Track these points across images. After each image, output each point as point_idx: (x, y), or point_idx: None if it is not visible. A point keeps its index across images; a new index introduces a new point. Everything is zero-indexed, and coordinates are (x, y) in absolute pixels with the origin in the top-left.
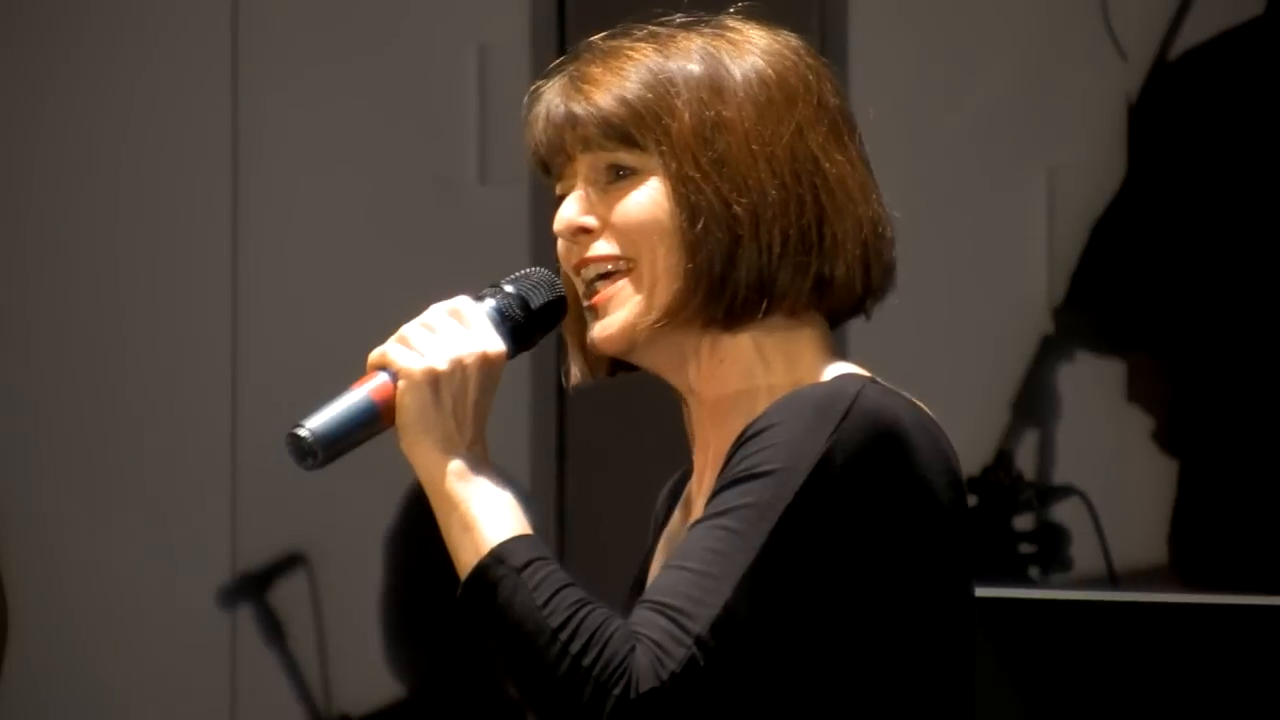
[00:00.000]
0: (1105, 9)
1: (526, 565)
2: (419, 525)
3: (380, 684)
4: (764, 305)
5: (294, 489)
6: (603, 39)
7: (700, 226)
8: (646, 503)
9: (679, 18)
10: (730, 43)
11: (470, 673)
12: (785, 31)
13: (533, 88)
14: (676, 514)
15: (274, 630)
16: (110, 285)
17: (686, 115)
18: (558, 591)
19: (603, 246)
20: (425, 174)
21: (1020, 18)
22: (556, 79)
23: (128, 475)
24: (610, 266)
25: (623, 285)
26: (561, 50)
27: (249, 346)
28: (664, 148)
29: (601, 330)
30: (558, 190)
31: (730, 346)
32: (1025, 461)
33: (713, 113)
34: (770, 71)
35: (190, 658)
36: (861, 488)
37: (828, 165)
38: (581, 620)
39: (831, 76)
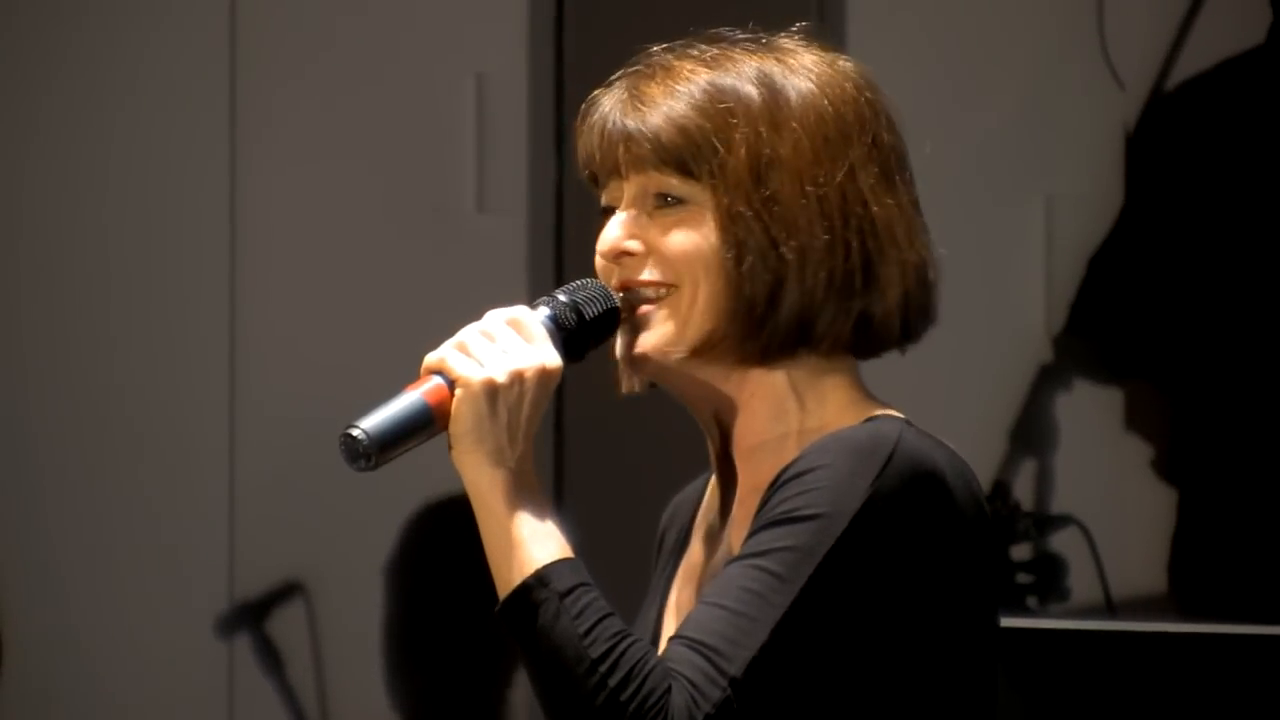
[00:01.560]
0: (1103, 39)
1: (570, 591)
2: (417, 554)
3: (378, 714)
4: (803, 342)
5: (292, 518)
6: (664, 50)
7: (746, 265)
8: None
9: (738, 34)
10: (787, 67)
11: (468, 703)
12: (844, 58)
13: (591, 96)
14: (698, 546)
15: (272, 659)
16: (110, 314)
17: (743, 150)
18: (600, 621)
19: (647, 272)
20: (422, 202)
21: (1018, 48)
22: (615, 90)
23: (125, 505)
24: (653, 293)
25: (663, 309)
26: (559, 79)
27: (247, 374)
28: (716, 181)
29: (634, 349)
30: (603, 199)
31: (760, 383)
32: (1023, 491)
33: (769, 150)
34: (828, 105)
35: (188, 687)
36: (902, 535)
37: (876, 209)
38: (622, 653)
39: (888, 108)
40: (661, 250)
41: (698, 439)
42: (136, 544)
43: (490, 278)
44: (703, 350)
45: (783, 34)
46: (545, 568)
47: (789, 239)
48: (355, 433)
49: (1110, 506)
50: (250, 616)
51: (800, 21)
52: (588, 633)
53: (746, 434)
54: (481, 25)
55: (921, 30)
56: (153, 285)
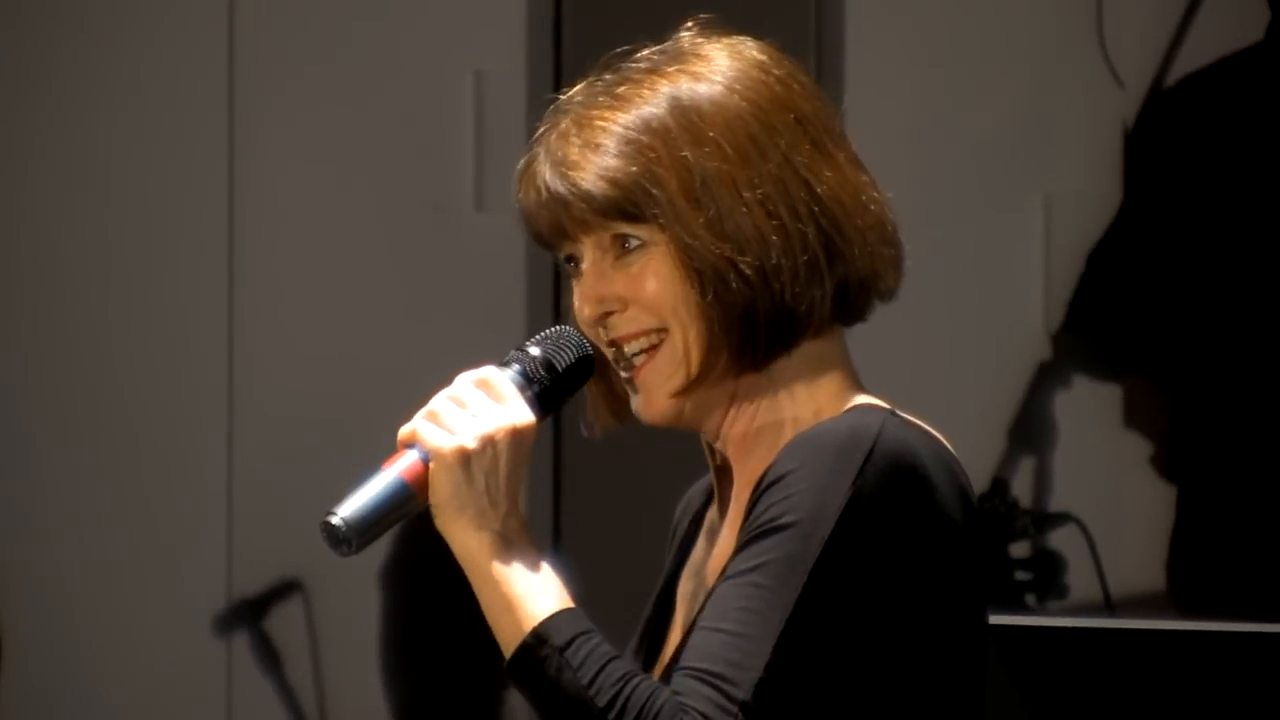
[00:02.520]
0: (1102, 36)
1: (569, 644)
2: (416, 553)
3: (376, 712)
4: (791, 340)
5: (290, 516)
6: (566, 100)
7: (711, 295)
8: (644, 517)
9: (646, 49)
10: (694, 76)
11: (466, 701)
12: (745, 40)
13: (519, 166)
14: (701, 542)
15: (270, 658)
16: (106, 310)
17: (673, 181)
18: (602, 669)
19: (634, 323)
20: (421, 201)
21: (1017, 46)
22: (539, 162)
23: (123, 503)
24: (646, 342)
25: (661, 356)
26: (558, 77)
27: (245, 372)
28: (661, 219)
29: (646, 406)
30: (563, 253)
31: (751, 382)
32: (1021, 488)
33: (698, 169)
34: (742, 103)
35: (186, 685)
36: (887, 530)
37: (820, 188)
38: (628, 697)
39: (801, 77)
40: (639, 299)
41: (695, 442)
42: (135, 542)
43: (489, 277)
44: (706, 375)
45: (681, 33)
46: (542, 624)
47: (743, 255)
48: (335, 521)
49: (1109, 504)
50: (248, 615)
51: (799, 21)
52: (591, 683)
53: (745, 435)
54: (480, 23)
55: (920, 29)
56: (151, 284)
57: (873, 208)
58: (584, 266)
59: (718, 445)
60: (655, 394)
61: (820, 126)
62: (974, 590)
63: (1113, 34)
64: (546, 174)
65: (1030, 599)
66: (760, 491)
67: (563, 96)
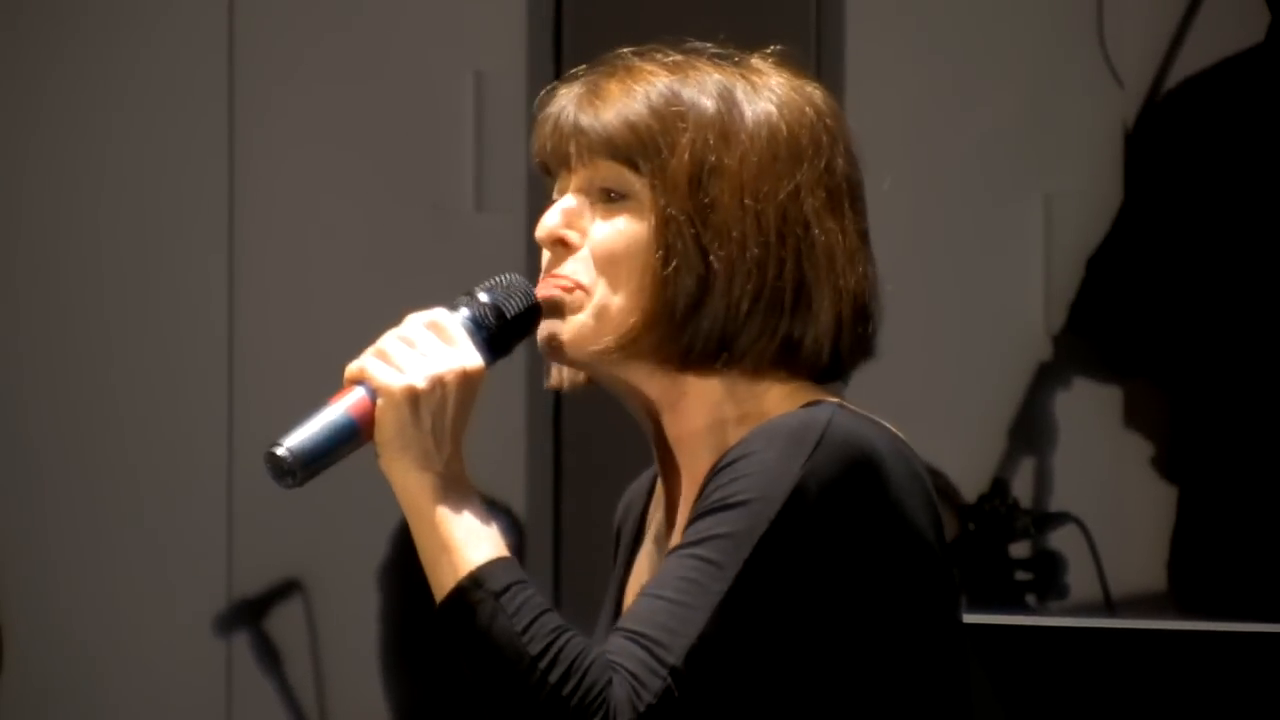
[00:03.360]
0: (1102, 37)
1: (505, 590)
2: (415, 552)
3: (376, 712)
4: (722, 358)
5: (290, 516)
6: (631, 53)
7: (671, 268)
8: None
9: (710, 48)
10: (751, 85)
11: (466, 700)
12: (813, 84)
13: (549, 87)
14: (648, 545)
15: (269, 657)
16: (106, 309)
17: (686, 154)
18: (536, 618)
19: (570, 266)
20: (421, 201)
21: (1017, 46)
22: (574, 85)
23: (123, 503)
24: (569, 285)
25: (581, 301)
26: (558, 77)
27: (244, 372)
28: (656, 181)
29: (548, 339)
30: (554, 191)
31: (691, 384)
32: (1022, 489)
33: (714, 157)
34: (783, 125)
35: (186, 685)
36: (836, 515)
37: (817, 232)
38: (560, 649)
39: (849, 140)
40: (594, 244)
41: None
42: (135, 543)
43: (489, 276)
44: (621, 346)
45: (756, 54)
46: (479, 568)
47: (719, 248)
48: (280, 451)
49: (1109, 504)
50: (249, 615)
51: (800, 20)
52: (525, 630)
53: (681, 429)
54: (480, 23)
55: (921, 29)
56: (151, 284)
57: (862, 282)
58: (567, 195)
59: (652, 431)
60: (559, 329)
61: (845, 186)
62: (934, 580)
63: (1113, 34)
64: (574, 99)
65: (1030, 599)
66: (714, 473)
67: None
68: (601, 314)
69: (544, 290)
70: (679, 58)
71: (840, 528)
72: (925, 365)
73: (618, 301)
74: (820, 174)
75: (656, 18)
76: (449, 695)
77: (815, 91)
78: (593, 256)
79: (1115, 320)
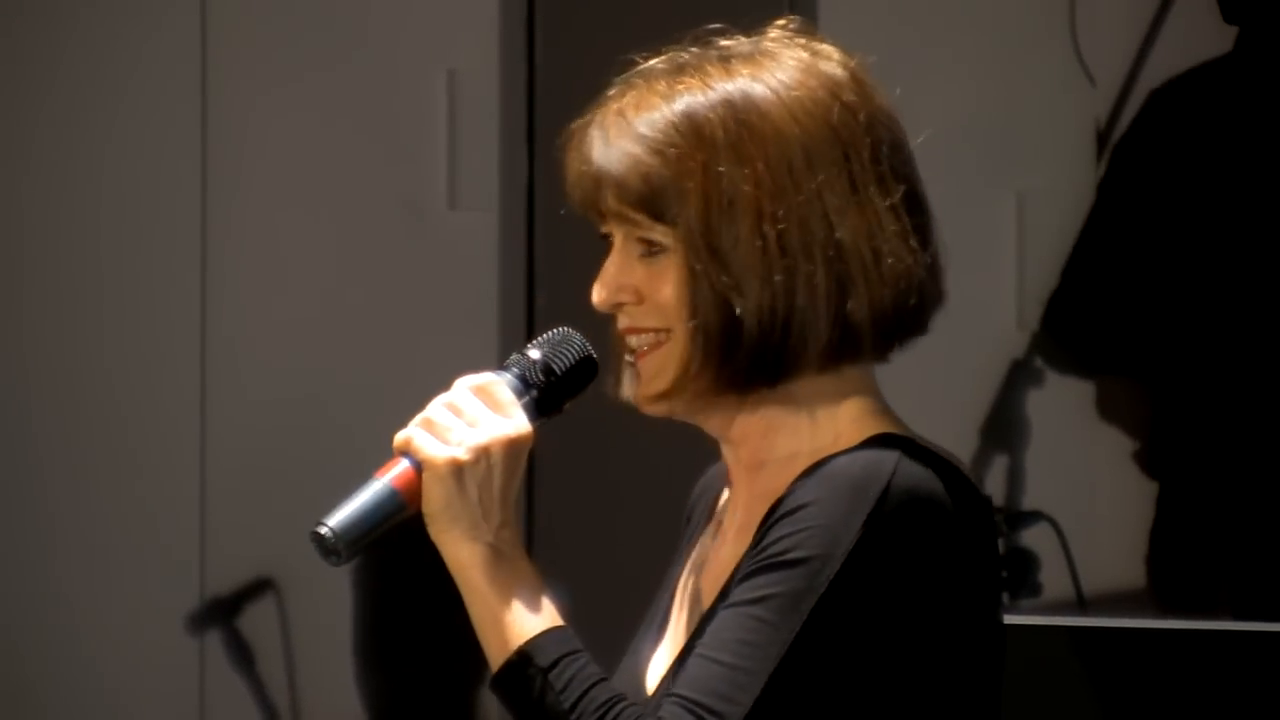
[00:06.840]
0: (1074, 34)
1: (554, 665)
2: (389, 551)
3: (349, 710)
4: (776, 376)
5: (262, 514)
6: (637, 71)
7: (700, 321)
8: (620, 520)
9: (719, 38)
10: (762, 83)
11: (439, 699)
12: (828, 56)
13: (571, 127)
14: (707, 538)
15: (243, 656)
16: (77, 310)
17: (700, 198)
18: (585, 693)
19: (644, 319)
20: (394, 199)
21: (989, 43)
22: (593, 127)
23: (96, 501)
24: (651, 338)
25: (661, 353)
26: (531, 75)
27: (218, 370)
28: (678, 234)
29: (636, 393)
30: (600, 229)
31: (764, 402)
32: (994, 486)
33: (729, 187)
34: (795, 127)
35: (159, 683)
36: (895, 576)
37: (840, 233)
38: None
39: (873, 104)
40: (651, 300)
41: (689, 444)
42: (107, 541)
43: (462, 275)
44: (686, 393)
45: (772, 29)
46: (529, 642)
47: (742, 294)
48: (324, 531)
49: (1081, 502)
50: (221, 613)
51: (773, 16)
52: (574, 707)
53: (756, 450)
54: (453, 22)
55: (891, 24)
56: (124, 282)
57: (890, 260)
58: (613, 250)
59: (728, 448)
60: (646, 385)
61: (869, 164)
62: (987, 638)
63: (1085, 31)
64: (593, 151)
65: (1003, 597)
66: (773, 521)
67: (642, 64)
68: (676, 361)
69: (631, 341)
70: (684, 59)
71: (900, 589)
72: (897, 362)
73: (679, 349)
74: (838, 166)
75: (629, 17)
76: (422, 694)
77: (829, 65)
78: (655, 307)
79: (1087, 318)
